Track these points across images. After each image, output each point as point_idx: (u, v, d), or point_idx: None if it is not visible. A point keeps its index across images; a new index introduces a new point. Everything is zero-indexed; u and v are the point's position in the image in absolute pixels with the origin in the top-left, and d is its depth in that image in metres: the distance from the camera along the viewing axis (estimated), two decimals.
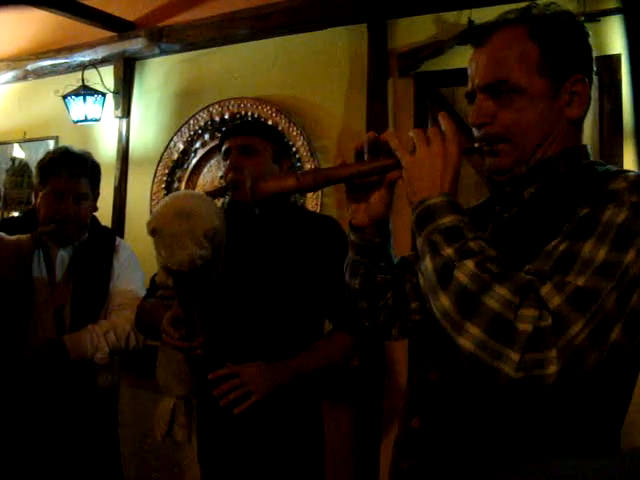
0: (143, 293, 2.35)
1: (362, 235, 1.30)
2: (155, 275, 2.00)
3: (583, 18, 2.30)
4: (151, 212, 3.41)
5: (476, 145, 1.20)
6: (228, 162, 1.98)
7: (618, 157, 2.37)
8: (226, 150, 1.99)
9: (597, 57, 2.29)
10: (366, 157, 1.23)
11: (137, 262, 2.44)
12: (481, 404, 1.10)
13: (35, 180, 2.33)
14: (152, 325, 1.94)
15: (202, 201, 1.87)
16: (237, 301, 1.92)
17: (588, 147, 1.22)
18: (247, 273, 1.94)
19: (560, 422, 1.06)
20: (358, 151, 1.23)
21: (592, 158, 1.21)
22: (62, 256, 2.28)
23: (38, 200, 2.27)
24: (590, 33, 1.21)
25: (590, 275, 0.96)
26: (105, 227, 2.50)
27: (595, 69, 1.22)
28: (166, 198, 1.94)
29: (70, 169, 2.23)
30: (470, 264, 1.00)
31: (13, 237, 2.15)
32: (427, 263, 1.06)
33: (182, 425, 1.95)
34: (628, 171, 1.10)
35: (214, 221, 1.80)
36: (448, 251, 1.03)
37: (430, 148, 1.12)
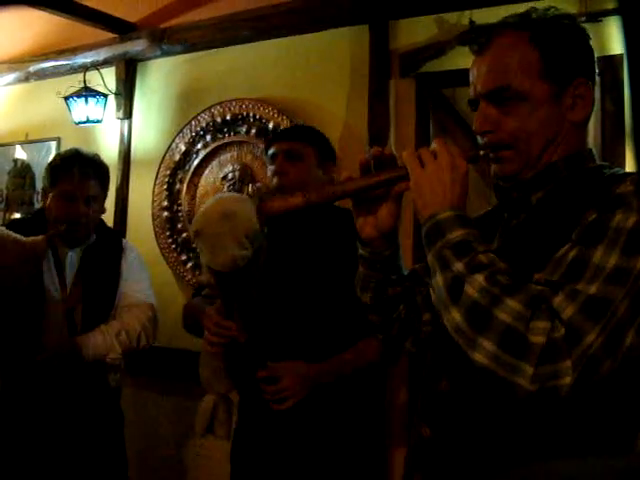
0: (150, 293, 2.40)
1: (371, 249, 1.29)
2: (200, 275, 2.04)
3: (584, 18, 2.29)
4: (153, 213, 3.43)
5: (481, 153, 1.19)
6: (274, 167, 2.03)
7: (620, 158, 2.36)
8: (272, 155, 2.05)
9: (599, 57, 2.30)
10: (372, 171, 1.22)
11: (143, 263, 2.48)
12: (492, 413, 1.09)
13: (45, 181, 2.34)
14: (197, 322, 2.00)
15: (244, 203, 1.90)
16: (277, 300, 1.96)
17: (593, 150, 1.21)
18: (287, 274, 1.98)
19: (574, 429, 1.04)
20: (363, 165, 1.23)
21: (598, 161, 1.20)
22: (71, 257, 2.31)
23: (48, 201, 2.28)
24: (592, 34, 1.21)
25: (601, 283, 0.95)
26: (111, 229, 2.52)
27: (597, 71, 1.21)
28: (209, 200, 1.99)
29: (82, 171, 2.26)
30: (480, 278, 1.00)
31: (28, 239, 2.16)
32: (438, 279, 1.06)
33: (222, 422, 2.02)
34: (634, 174, 1.09)
35: (255, 222, 1.83)
36: (458, 266, 1.03)
37: (438, 162, 1.12)
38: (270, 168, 2.06)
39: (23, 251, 2.14)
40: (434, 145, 1.15)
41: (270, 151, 2.06)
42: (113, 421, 2.36)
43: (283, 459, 1.92)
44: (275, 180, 2.01)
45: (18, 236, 2.19)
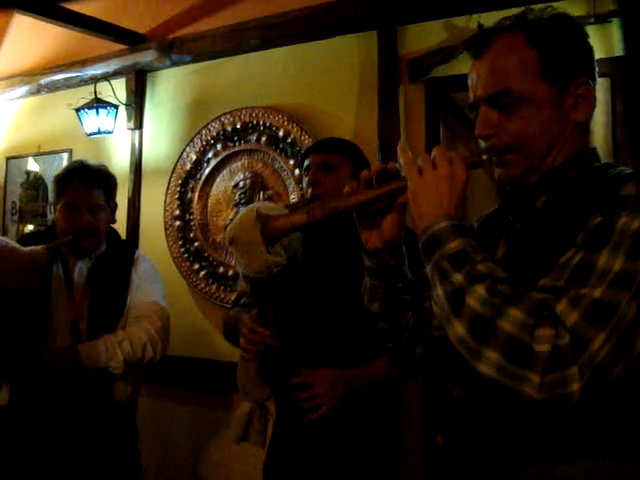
0: (163, 305, 2.38)
1: (377, 259, 1.29)
2: (237, 285, 2.10)
3: (593, 20, 2.29)
4: (165, 223, 3.44)
5: (484, 157, 1.18)
6: (308, 178, 2.07)
7: (631, 159, 2.35)
8: (307, 166, 2.11)
9: (608, 59, 2.30)
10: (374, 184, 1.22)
11: (157, 274, 2.46)
12: (503, 420, 1.09)
13: (52, 194, 2.36)
14: (235, 331, 2.02)
15: (278, 211, 1.91)
16: (312, 308, 1.98)
17: (597, 149, 1.19)
18: (322, 281, 1.99)
19: (586, 435, 1.02)
20: (366, 179, 1.22)
21: (603, 160, 1.19)
22: (80, 268, 2.31)
23: (56, 214, 2.30)
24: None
25: (607, 286, 0.94)
26: (124, 240, 2.51)
27: (597, 70, 1.19)
28: (244, 209, 2.03)
29: (83, 181, 2.26)
30: (480, 289, 0.99)
31: (27, 248, 2.18)
32: (439, 291, 1.05)
33: (257, 430, 2.03)
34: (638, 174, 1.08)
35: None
36: (457, 277, 1.02)
37: (437, 171, 1.11)
38: (305, 179, 2.11)
39: (22, 261, 2.14)
40: (434, 153, 1.14)
41: (305, 163, 2.12)
42: (124, 433, 2.32)
43: (316, 472, 1.92)
44: (309, 191, 2.06)
45: (17, 246, 2.20)
